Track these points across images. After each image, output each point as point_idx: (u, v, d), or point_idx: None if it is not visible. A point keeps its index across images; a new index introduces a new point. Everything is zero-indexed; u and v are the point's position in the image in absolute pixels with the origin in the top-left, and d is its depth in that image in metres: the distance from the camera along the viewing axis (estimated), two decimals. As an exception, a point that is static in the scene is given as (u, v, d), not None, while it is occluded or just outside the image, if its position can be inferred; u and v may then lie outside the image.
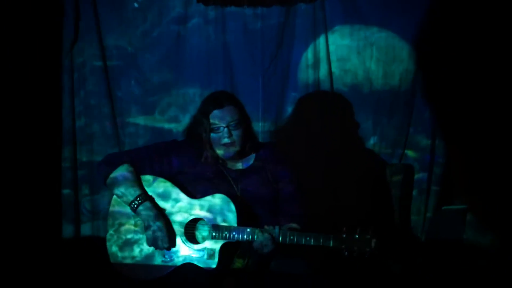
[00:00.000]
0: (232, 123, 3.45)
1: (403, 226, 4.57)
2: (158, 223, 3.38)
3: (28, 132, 4.33)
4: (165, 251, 3.40)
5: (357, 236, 3.22)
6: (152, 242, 3.39)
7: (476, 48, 4.31)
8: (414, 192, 4.63)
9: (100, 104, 4.63)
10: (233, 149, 3.48)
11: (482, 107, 4.16)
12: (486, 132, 3.99)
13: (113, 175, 3.47)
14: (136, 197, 3.41)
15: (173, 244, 3.40)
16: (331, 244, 3.23)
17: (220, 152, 3.49)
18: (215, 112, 3.45)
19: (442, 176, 4.58)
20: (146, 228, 3.39)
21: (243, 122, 3.50)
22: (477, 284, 4.08)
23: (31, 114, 4.36)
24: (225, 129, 3.44)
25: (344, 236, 3.22)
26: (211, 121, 3.45)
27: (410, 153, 4.65)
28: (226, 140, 3.45)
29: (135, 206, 3.40)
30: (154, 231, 3.37)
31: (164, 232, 3.37)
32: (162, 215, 3.41)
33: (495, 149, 4.10)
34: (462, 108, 4.24)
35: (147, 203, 3.41)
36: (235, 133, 3.46)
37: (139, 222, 3.46)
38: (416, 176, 4.63)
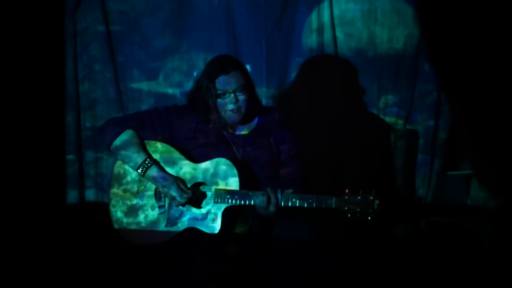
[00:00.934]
0: (238, 88, 3.43)
1: (407, 191, 4.57)
2: (168, 181, 3.37)
3: (31, 98, 4.33)
4: (168, 216, 3.40)
5: (359, 197, 3.21)
6: (175, 201, 3.38)
7: (482, 11, 4.28)
8: (419, 157, 4.63)
9: (103, 69, 4.62)
10: (239, 115, 3.47)
11: (488, 69, 4.13)
12: (493, 95, 3.96)
13: (117, 141, 3.47)
14: (143, 162, 3.41)
15: (189, 193, 3.38)
16: (333, 206, 3.23)
17: (226, 117, 3.48)
18: (221, 78, 3.43)
19: (447, 141, 4.57)
20: (162, 190, 3.40)
21: (248, 87, 3.49)
22: (479, 248, 4.09)
23: (34, 80, 4.35)
24: (232, 94, 3.43)
25: (347, 198, 3.22)
26: (217, 87, 3.43)
27: (414, 117, 4.64)
28: (232, 106, 3.44)
29: (144, 170, 3.40)
30: (169, 189, 3.37)
31: (176, 187, 3.36)
32: (170, 175, 3.41)
33: (503, 113, 4.07)
34: (468, 70, 4.22)
35: (154, 167, 3.41)
36: (241, 98, 3.44)
37: (142, 188, 3.46)
38: (421, 141, 4.62)
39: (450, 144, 4.58)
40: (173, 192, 3.35)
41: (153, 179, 3.41)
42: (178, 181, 3.38)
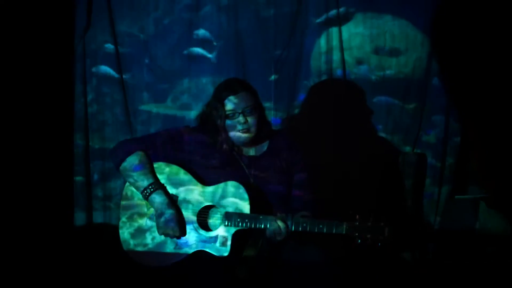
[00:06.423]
0: (247, 109, 3.44)
1: (415, 214, 4.56)
2: (170, 211, 3.38)
3: (40, 119, 4.34)
4: (177, 238, 3.40)
5: (370, 224, 3.20)
6: (163, 230, 3.39)
7: (490, 32, 4.32)
8: (427, 181, 4.62)
9: (112, 91, 4.64)
10: (248, 135, 3.47)
11: (499, 92, 4.15)
12: (503, 121, 3.97)
13: (126, 162, 3.47)
14: (149, 185, 3.41)
15: (183, 233, 3.40)
16: (344, 232, 3.22)
17: (235, 138, 3.48)
18: (230, 98, 3.44)
19: (455, 165, 4.57)
20: (158, 216, 3.40)
21: (257, 108, 3.49)
22: (487, 272, 4.08)
23: (44, 101, 4.36)
24: (240, 115, 3.43)
25: (357, 223, 3.21)
26: (226, 107, 3.44)
27: (423, 141, 4.63)
28: (241, 126, 3.44)
29: (147, 194, 3.41)
30: (166, 220, 3.37)
31: (175, 221, 3.37)
32: (173, 204, 3.41)
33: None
34: (479, 94, 4.25)
35: (159, 192, 3.41)
36: (250, 119, 3.45)
37: (151, 210, 3.46)
38: (429, 164, 4.62)
39: (459, 168, 4.58)
40: (168, 224, 3.37)
41: (153, 205, 3.42)
42: (179, 214, 3.40)
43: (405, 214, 4.50)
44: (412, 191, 4.54)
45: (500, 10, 4.33)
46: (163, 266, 3.41)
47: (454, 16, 4.45)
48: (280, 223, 3.25)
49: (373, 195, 4.48)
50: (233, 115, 3.44)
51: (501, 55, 4.28)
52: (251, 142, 3.52)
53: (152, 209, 3.45)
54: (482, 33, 4.36)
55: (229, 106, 3.44)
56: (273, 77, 4.61)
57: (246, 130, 3.45)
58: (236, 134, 3.46)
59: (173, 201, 3.43)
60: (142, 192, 3.42)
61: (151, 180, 3.43)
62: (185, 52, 4.65)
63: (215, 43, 4.64)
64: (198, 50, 4.64)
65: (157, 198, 3.40)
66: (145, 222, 3.47)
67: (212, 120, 3.49)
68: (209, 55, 4.64)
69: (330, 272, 3.27)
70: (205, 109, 3.58)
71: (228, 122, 3.46)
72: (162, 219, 3.38)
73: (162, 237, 3.42)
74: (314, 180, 3.60)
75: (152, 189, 3.41)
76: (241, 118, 3.43)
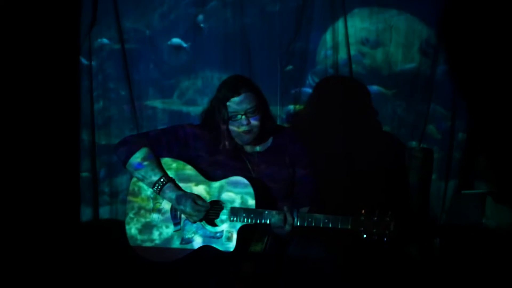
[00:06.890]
0: (249, 110, 3.43)
1: (421, 209, 4.56)
2: (185, 200, 3.39)
3: (46, 116, 4.34)
4: (184, 234, 3.41)
5: (376, 218, 3.20)
6: (191, 218, 3.40)
7: (498, 27, 4.31)
8: (433, 176, 4.61)
9: (118, 87, 4.64)
10: (250, 136, 3.47)
11: (507, 86, 4.14)
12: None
13: (133, 158, 3.48)
14: (158, 180, 3.43)
15: (208, 206, 3.40)
16: (349, 227, 3.22)
17: (238, 138, 3.48)
18: (233, 100, 3.43)
19: (461, 160, 4.56)
20: (178, 208, 3.41)
21: (260, 107, 3.48)
22: (493, 268, 4.07)
23: (50, 98, 4.37)
24: (243, 116, 3.43)
25: (363, 218, 3.20)
26: (229, 109, 3.43)
27: (429, 136, 4.63)
28: (244, 128, 3.44)
29: (159, 188, 3.42)
30: (186, 209, 3.38)
31: (195, 205, 3.37)
32: (185, 192, 3.43)
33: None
34: (487, 88, 4.25)
35: (170, 184, 3.43)
36: (253, 119, 3.44)
37: (157, 205, 3.47)
38: (435, 159, 4.61)
39: (465, 163, 4.57)
40: (189, 209, 3.36)
41: (169, 197, 3.42)
42: (194, 197, 3.39)
43: (411, 209, 4.50)
44: (418, 186, 4.54)
45: (509, 4, 4.33)
46: (169, 262, 3.42)
47: (461, 10, 4.44)
48: (284, 218, 3.25)
49: (379, 190, 4.47)
50: (235, 116, 3.44)
51: (510, 49, 4.28)
52: (254, 141, 3.53)
53: (158, 204, 3.47)
54: (489, 27, 4.35)
55: (231, 108, 3.43)
56: (278, 72, 4.60)
57: (248, 131, 3.45)
58: (239, 134, 3.46)
59: (183, 191, 3.43)
60: (153, 188, 3.45)
61: (159, 175, 3.44)
62: (168, 43, 4.66)
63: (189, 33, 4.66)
64: (177, 40, 4.65)
65: (169, 192, 3.43)
66: (152, 217, 3.47)
67: (215, 120, 3.49)
68: (185, 45, 4.65)
69: (336, 269, 3.26)
70: (209, 107, 3.57)
71: (230, 122, 3.45)
72: (184, 210, 3.39)
73: (169, 232, 3.44)
74: (319, 176, 3.60)
75: (163, 183, 3.43)
76: (243, 120, 3.43)
